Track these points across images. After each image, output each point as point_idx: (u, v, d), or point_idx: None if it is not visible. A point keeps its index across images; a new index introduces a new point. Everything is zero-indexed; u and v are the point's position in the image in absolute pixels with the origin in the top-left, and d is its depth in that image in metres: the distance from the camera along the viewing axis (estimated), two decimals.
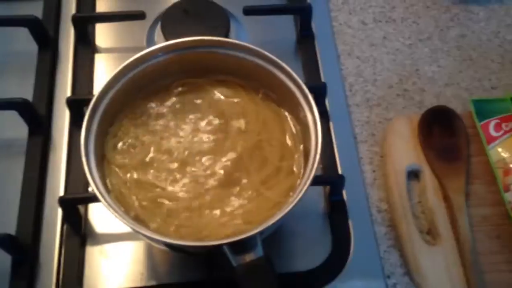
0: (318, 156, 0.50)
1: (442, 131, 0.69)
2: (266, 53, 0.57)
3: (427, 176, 0.67)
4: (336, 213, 0.64)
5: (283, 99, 0.59)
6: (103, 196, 0.48)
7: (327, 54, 0.76)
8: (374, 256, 0.62)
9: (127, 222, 0.48)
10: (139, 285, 0.59)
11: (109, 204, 0.48)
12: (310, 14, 0.75)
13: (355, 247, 0.62)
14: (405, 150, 0.69)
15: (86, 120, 0.52)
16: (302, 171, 0.55)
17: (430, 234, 0.65)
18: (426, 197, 0.66)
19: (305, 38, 0.77)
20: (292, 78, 0.56)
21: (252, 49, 0.57)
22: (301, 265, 0.61)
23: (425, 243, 0.63)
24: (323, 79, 0.74)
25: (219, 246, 0.47)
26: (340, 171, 0.66)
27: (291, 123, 0.59)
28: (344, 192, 0.65)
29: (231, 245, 0.47)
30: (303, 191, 0.49)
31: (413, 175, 0.69)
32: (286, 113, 0.59)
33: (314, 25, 0.78)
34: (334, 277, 0.60)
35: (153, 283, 0.59)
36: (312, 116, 0.53)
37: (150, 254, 0.62)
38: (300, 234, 0.63)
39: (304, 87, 0.55)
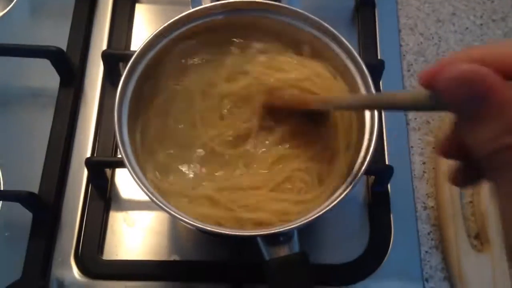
0: (370, 153, 0.45)
1: None
2: (329, 26, 0.51)
3: None
4: (378, 205, 0.59)
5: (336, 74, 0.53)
6: (133, 170, 0.44)
7: (387, 27, 0.69)
8: (414, 256, 0.58)
9: (157, 200, 0.44)
10: (160, 258, 0.56)
11: (140, 181, 0.44)
12: None
13: (394, 244, 0.58)
14: None
15: (122, 82, 0.47)
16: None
17: (478, 239, 0.59)
18: (480, 198, 0.60)
19: (364, 6, 0.70)
20: (354, 57, 0.49)
21: (313, 20, 0.51)
22: (333, 258, 0.57)
23: (472, 249, 0.58)
24: (379, 55, 0.67)
25: (253, 237, 0.43)
26: (387, 160, 0.61)
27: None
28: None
29: (266, 236, 0.43)
30: (350, 187, 0.44)
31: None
32: None
33: None
34: (368, 274, 0.56)
35: (175, 258, 0.56)
36: (371, 119, 0.47)
37: (175, 227, 0.58)
38: (335, 224, 0.59)
39: (365, 69, 0.48)
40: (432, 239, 0.59)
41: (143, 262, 0.56)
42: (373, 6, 0.70)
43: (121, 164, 0.57)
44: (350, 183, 0.44)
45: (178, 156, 0.50)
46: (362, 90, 0.49)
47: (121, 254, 0.57)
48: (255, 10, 0.52)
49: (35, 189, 0.57)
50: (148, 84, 0.51)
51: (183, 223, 0.44)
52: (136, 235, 0.57)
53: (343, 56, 0.51)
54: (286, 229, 0.42)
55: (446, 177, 0.60)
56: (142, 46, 0.49)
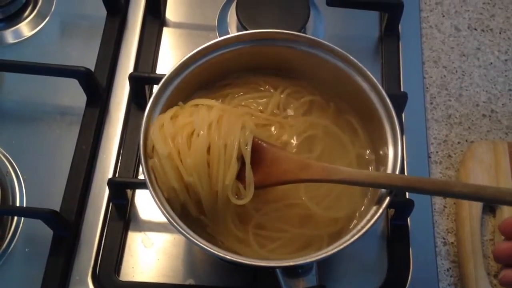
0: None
1: None
2: (353, 59, 0.51)
3: (506, 213, 0.60)
4: (397, 239, 0.59)
5: (359, 110, 0.53)
6: (157, 196, 0.45)
7: (411, 59, 0.70)
8: None
9: (176, 224, 0.45)
10: (176, 281, 0.56)
11: (161, 203, 0.45)
12: (400, 12, 0.68)
13: (412, 279, 0.57)
14: (484, 179, 0.62)
15: (148, 107, 0.48)
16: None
17: (498, 278, 0.58)
18: (501, 236, 0.59)
19: (389, 38, 0.70)
20: (378, 91, 0.50)
21: (337, 51, 0.51)
22: None
23: (491, 287, 0.57)
24: (402, 87, 0.67)
25: (272, 268, 0.43)
26: (408, 194, 0.60)
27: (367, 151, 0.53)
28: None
29: (285, 268, 0.43)
30: (372, 221, 0.44)
31: (488, 209, 0.62)
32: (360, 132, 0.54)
33: (400, 25, 0.71)
34: None
35: (191, 282, 0.56)
36: (394, 147, 0.48)
37: (191, 250, 0.58)
38: (353, 256, 0.58)
39: (389, 103, 0.49)
40: (451, 276, 0.59)
41: (158, 285, 0.56)
42: (397, 38, 0.70)
43: (142, 186, 0.57)
44: (372, 217, 0.44)
45: None
46: (386, 124, 0.49)
47: (138, 276, 0.57)
48: (281, 40, 0.53)
49: (56, 205, 0.58)
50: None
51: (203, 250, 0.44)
52: (153, 256, 0.58)
53: (366, 88, 0.51)
54: (305, 262, 0.42)
55: (467, 214, 0.60)
56: (170, 72, 0.50)
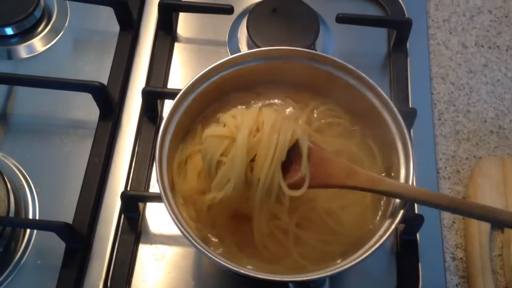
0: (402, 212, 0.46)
1: None
2: (365, 76, 0.52)
3: None
4: (406, 254, 0.59)
5: (373, 128, 0.54)
6: (172, 209, 0.46)
7: (419, 75, 0.70)
8: None
9: (193, 241, 0.45)
10: None
11: (176, 217, 0.45)
12: (409, 29, 0.69)
13: None
14: (493, 195, 0.62)
15: (163, 125, 0.49)
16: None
17: None
18: (509, 251, 0.60)
19: (397, 54, 0.71)
20: (389, 107, 0.51)
21: (349, 68, 0.52)
22: None
23: None
24: (411, 103, 0.68)
25: (285, 283, 0.43)
26: (417, 209, 0.61)
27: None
28: None
29: (298, 283, 0.43)
30: (384, 237, 0.44)
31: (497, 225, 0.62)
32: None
33: (408, 41, 0.72)
34: None
35: None
36: (406, 165, 0.48)
37: (201, 263, 0.59)
38: (362, 270, 0.58)
39: (401, 119, 0.50)
40: None
41: None
42: (405, 54, 0.71)
43: (155, 199, 0.58)
44: (385, 232, 0.45)
45: None
46: (398, 141, 0.50)
47: None
48: (294, 58, 0.54)
49: (68, 217, 0.58)
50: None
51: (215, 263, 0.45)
52: (163, 269, 0.58)
53: (378, 105, 0.52)
54: (318, 277, 0.42)
55: (476, 229, 0.60)
56: (185, 87, 0.51)
